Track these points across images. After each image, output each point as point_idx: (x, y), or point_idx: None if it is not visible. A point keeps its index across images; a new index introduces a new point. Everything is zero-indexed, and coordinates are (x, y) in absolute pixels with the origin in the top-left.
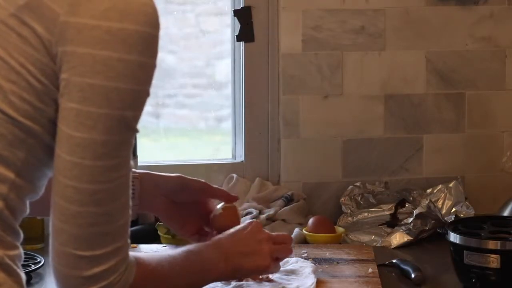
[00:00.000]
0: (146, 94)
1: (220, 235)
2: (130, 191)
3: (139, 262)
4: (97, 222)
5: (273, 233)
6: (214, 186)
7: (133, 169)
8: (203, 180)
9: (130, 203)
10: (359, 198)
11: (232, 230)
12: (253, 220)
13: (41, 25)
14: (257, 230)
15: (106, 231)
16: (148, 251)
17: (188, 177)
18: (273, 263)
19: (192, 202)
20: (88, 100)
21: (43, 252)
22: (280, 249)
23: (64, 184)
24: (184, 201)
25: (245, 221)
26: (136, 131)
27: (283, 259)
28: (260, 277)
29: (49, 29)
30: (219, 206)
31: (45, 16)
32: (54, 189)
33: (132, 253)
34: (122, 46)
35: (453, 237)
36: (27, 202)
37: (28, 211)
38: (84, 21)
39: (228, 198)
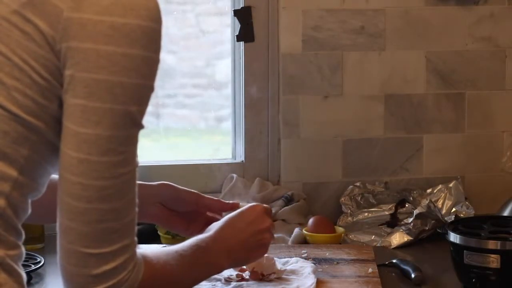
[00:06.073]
0: (151, 88)
1: (223, 225)
2: (137, 188)
3: (146, 261)
4: (104, 219)
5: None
6: (206, 196)
7: None
8: (195, 191)
9: (137, 200)
10: (359, 198)
11: (235, 218)
12: (258, 204)
13: (44, 21)
14: (261, 220)
15: (114, 228)
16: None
17: (179, 187)
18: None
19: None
20: (93, 95)
21: (43, 252)
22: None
23: (71, 182)
24: (179, 210)
25: (248, 204)
26: (142, 126)
27: None
28: (260, 277)
29: (52, 25)
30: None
31: (49, 12)
32: (61, 187)
33: (138, 251)
34: (126, 40)
35: (453, 237)
36: (29, 201)
37: (30, 210)
38: (88, 16)
39: (223, 209)
